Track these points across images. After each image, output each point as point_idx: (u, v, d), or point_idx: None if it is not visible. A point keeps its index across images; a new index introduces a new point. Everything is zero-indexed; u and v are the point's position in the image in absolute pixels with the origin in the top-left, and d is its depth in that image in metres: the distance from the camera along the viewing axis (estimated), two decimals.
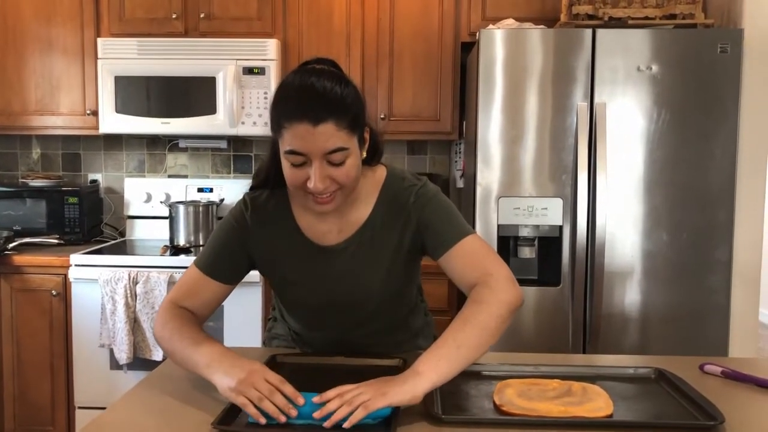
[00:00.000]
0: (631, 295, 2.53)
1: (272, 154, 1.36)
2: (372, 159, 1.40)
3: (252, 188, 1.47)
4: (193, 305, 1.41)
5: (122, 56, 2.96)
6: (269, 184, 1.43)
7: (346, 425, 1.05)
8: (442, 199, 1.41)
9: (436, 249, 1.37)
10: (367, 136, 1.33)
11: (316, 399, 1.10)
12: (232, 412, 1.12)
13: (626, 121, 2.49)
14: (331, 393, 1.10)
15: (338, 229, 1.41)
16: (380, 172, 1.43)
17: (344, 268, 1.41)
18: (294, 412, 1.08)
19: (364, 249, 1.40)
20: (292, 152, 1.22)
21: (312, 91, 1.22)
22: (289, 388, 1.12)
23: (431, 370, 1.14)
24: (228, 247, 1.43)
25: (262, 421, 1.07)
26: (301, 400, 1.10)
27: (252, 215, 1.43)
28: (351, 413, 1.06)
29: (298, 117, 1.20)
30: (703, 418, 1.12)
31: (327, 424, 1.06)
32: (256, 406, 1.09)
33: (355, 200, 1.39)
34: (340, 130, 1.21)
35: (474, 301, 1.26)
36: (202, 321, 1.42)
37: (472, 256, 1.34)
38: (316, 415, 1.07)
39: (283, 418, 1.07)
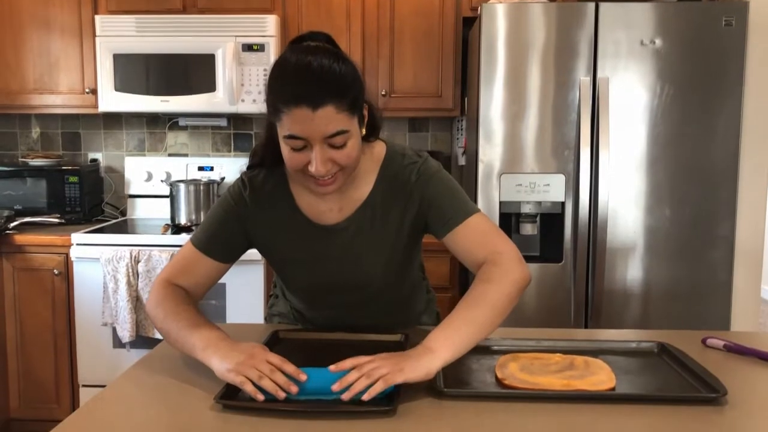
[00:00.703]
0: (633, 272, 2.53)
1: (268, 134, 1.33)
2: (370, 135, 1.37)
3: (249, 167, 1.45)
4: (188, 283, 1.39)
5: (120, 34, 2.94)
6: (266, 163, 1.40)
7: (365, 398, 1.04)
8: (444, 177, 1.39)
9: (441, 228, 1.35)
10: (366, 113, 1.30)
11: (333, 368, 1.08)
12: (235, 387, 1.12)
13: (629, 96, 2.47)
14: (347, 363, 1.09)
15: (338, 207, 1.39)
16: (379, 149, 1.41)
17: (345, 248, 1.40)
18: (294, 389, 1.07)
19: (364, 228, 1.39)
20: (291, 137, 1.20)
21: (309, 73, 1.17)
22: (290, 367, 1.10)
23: (444, 347, 1.14)
24: (225, 225, 1.41)
25: (260, 398, 1.06)
26: (303, 377, 1.09)
27: (251, 195, 1.40)
28: (369, 386, 1.05)
29: (296, 101, 1.16)
30: (705, 390, 1.12)
31: (346, 396, 1.05)
32: (255, 385, 1.08)
33: (355, 178, 1.37)
34: (340, 112, 1.18)
35: (483, 280, 1.25)
36: (196, 300, 1.40)
37: (479, 235, 1.33)
38: (335, 387, 1.06)
39: (282, 395, 1.06)
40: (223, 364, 1.13)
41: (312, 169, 1.21)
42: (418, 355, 1.12)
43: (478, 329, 1.19)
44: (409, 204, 1.38)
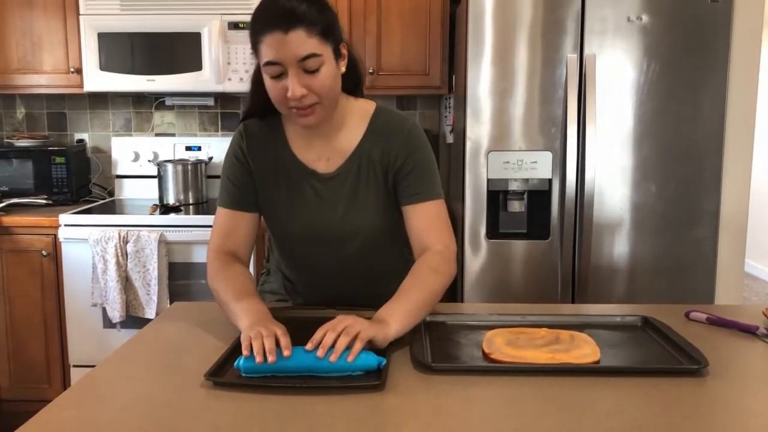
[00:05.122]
0: (619, 247, 2.55)
1: (256, 81, 1.41)
2: (356, 87, 1.46)
3: (243, 118, 1.52)
4: (235, 244, 1.46)
5: (105, 12, 2.90)
6: (255, 110, 1.48)
7: (350, 358, 1.09)
8: (429, 152, 1.46)
9: (406, 197, 1.43)
10: (344, 51, 1.36)
11: (309, 346, 1.10)
12: (224, 366, 1.13)
13: (616, 73, 2.48)
14: (318, 335, 1.12)
15: (327, 157, 1.45)
16: (369, 106, 1.48)
17: (333, 197, 1.45)
18: (272, 358, 1.08)
19: (351, 178, 1.44)
20: (268, 63, 1.27)
21: (281, 2, 1.26)
22: (285, 340, 1.13)
23: (396, 322, 1.22)
24: (239, 179, 1.48)
25: (246, 353, 1.10)
26: (287, 353, 1.10)
27: (247, 144, 1.48)
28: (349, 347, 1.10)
29: (269, 27, 1.24)
30: (687, 362, 1.14)
31: (333, 357, 1.08)
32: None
33: (343, 127, 1.44)
34: (312, 36, 1.25)
35: (432, 269, 1.36)
36: (247, 259, 1.48)
37: (434, 221, 1.42)
38: (320, 353, 1.08)
39: (260, 359, 1.09)
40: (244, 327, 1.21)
41: (289, 94, 1.27)
42: (377, 322, 1.20)
43: (421, 313, 1.30)
44: (393, 162, 1.44)
